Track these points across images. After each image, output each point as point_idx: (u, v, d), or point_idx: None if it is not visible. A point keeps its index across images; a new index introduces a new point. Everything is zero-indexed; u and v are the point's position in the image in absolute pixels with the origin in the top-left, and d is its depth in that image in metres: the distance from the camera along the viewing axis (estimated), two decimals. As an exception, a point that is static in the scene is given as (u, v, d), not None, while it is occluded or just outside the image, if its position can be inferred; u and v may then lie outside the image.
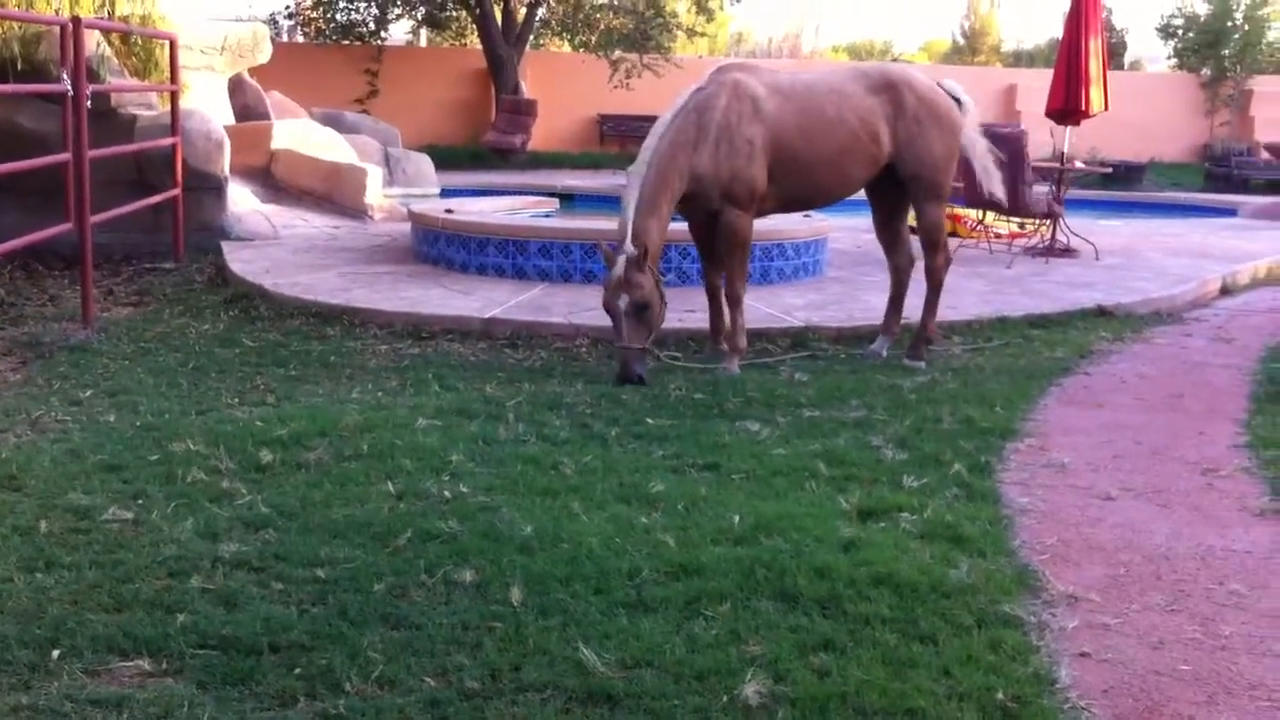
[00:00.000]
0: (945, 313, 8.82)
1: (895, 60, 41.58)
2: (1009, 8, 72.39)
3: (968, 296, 9.61)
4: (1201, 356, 8.10)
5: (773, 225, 10.20)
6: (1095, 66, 12.58)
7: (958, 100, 7.70)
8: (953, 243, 12.47)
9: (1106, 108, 12.84)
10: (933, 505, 4.81)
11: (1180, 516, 4.92)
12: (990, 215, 12.71)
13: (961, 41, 44.67)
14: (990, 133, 12.12)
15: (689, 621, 3.73)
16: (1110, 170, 16.31)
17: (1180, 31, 29.26)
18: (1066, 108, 12.73)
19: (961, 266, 11.24)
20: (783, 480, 5.13)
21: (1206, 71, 27.74)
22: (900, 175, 7.52)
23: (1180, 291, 10.22)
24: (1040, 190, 12.31)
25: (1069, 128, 13.25)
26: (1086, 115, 12.78)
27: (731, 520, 4.56)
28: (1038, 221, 12.44)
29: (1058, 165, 13.03)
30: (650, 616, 3.76)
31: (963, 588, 3.99)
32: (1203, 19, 28.55)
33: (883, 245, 8.03)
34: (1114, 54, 26.12)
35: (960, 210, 13.41)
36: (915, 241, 7.84)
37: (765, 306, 8.78)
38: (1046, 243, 12.21)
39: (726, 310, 7.39)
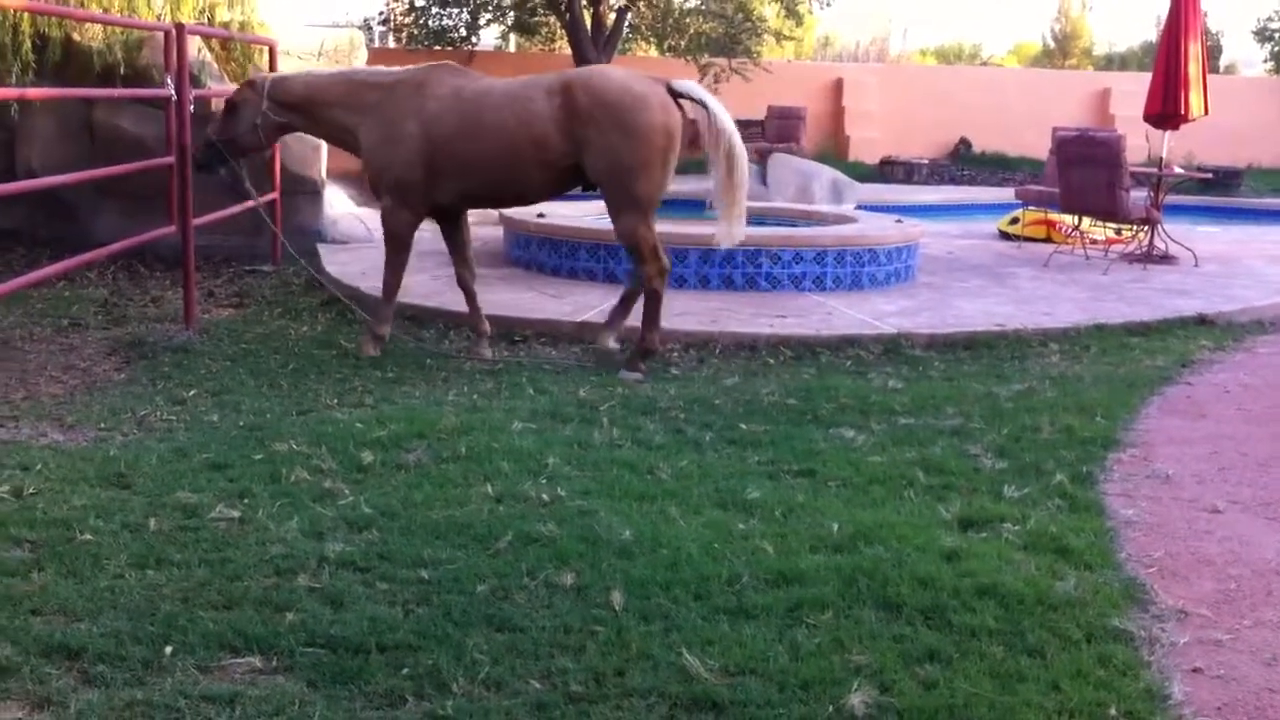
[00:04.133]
0: (1040, 319, 8.72)
1: (984, 64, 41.12)
2: (1100, 11, 71.27)
3: (1064, 304, 9.47)
4: (1307, 367, 7.91)
5: (861, 230, 10.16)
6: (1195, 70, 12.35)
7: (702, 103, 6.98)
8: (1047, 249, 12.44)
9: (1207, 112, 12.59)
10: (1035, 516, 4.75)
11: (1291, 531, 4.81)
12: (1086, 221, 12.52)
13: (1052, 44, 44.01)
14: (1087, 137, 12.01)
15: (791, 629, 3.72)
16: (1209, 176, 15.98)
17: (1278, 34, 28.59)
18: (1165, 112, 12.50)
19: (1058, 274, 11.10)
20: (880, 488, 5.09)
21: (1306, 75, 27.13)
22: (591, 180, 7.21)
23: (1283, 300, 9.99)
24: (1138, 196, 12.10)
25: (1167, 132, 13.01)
26: (1186, 120, 12.54)
27: (830, 528, 4.54)
28: (1135, 227, 12.24)
29: (1156, 170, 12.81)
30: (752, 623, 3.75)
31: (1070, 600, 3.93)
32: (1302, 21, 27.92)
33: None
34: (1210, 57, 25.55)
35: (1055, 215, 13.24)
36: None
37: (856, 312, 8.72)
38: (1144, 249, 12.00)
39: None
